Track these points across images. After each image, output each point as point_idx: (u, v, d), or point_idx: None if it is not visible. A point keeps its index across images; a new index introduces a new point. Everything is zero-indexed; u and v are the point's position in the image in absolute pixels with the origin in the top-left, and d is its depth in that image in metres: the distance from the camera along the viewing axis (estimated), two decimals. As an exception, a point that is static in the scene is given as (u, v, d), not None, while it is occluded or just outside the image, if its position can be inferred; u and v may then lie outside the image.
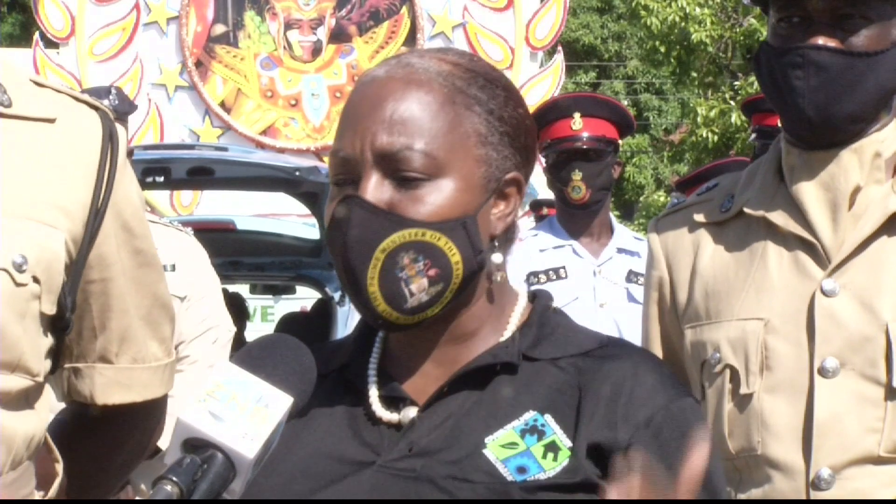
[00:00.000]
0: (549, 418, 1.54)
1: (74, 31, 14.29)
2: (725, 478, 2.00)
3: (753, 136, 5.30)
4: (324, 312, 7.07)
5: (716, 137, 18.14)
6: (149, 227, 1.83)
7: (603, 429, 1.52)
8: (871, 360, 1.97)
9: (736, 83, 18.71)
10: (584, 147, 4.39)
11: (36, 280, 1.64)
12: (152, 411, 1.86)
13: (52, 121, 1.72)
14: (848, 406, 1.96)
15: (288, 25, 14.68)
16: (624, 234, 4.56)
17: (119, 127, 1.79)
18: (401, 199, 1.53)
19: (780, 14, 2.03)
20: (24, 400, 1.66)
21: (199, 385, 1.39)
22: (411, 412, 1.57)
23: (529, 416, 1.54)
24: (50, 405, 1.74)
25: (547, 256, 4.41)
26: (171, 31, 14.55)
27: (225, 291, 5.00)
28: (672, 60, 19.01)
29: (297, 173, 5.61)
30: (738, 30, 18.52)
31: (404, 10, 14.72)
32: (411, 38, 14.63)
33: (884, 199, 2.02)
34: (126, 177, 1.77)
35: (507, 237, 1.61)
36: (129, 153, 3.33)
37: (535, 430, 1.53)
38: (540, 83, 14.41)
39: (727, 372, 2.04)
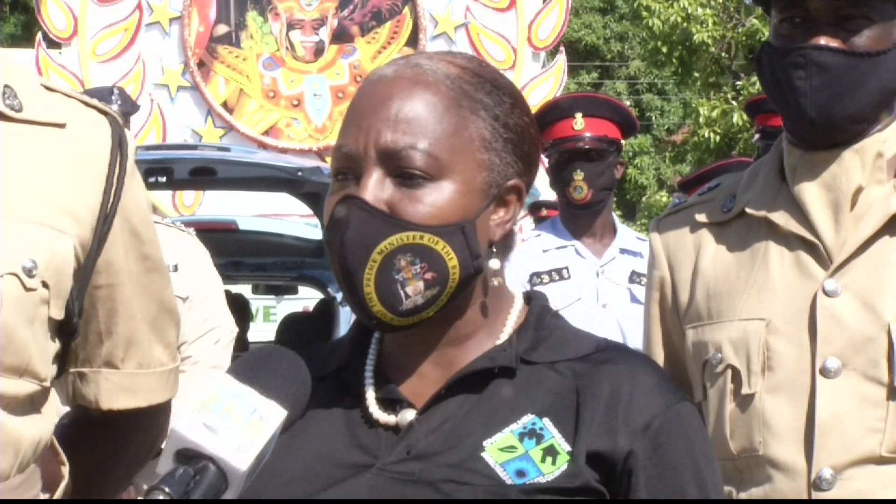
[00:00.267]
0: (547, 422, 1.54)
1: (77, 31, 14.29)
2: (726, 478, 2.00)
3: (757, 136, 5.30)
4: (326, 313, 7.08)
5: (718, 138, 18.14)
6: (156, 232, 1.83)
7: (602, 436, 1.52)
8: (873, 360, 1.97)
9: (738, 83, 18.71)
10: (586, 147, 4.39)
11: (45, 285, 1.64)
12: (157, 416, 1.86)
13: (62, 126, 1.72)
14: (849, 406, 1.96)
15: (290, 26, 14.68)
16: (627, 234, 4.56)
17: (128, 132, 1.79)
18: (401, 198, 1.53)
19: (782, 14, 2.04)
20: (31, 404, 1.66)
21: (196, 391, 1.39)
22: (409, 415, 1.57)
23: (528, 419, 1.54)
24: (56, 408, 1.75)
25: (550, 257, 4.41)
26: (173, 31, 14.55)
27: (228, 293, 5.00)
28: (674, 61, 19.00)
29: (300, 173, 5.61)
30: (740, 30, 18.52)
31: (406, 10, 14.71)
32: (413, 39, 14.62)
33: (885, 200, 2.02)
34: (134, 182, 1.77)
35: (505, 244, 1.61)
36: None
37: (533, 434, 1.53)
38: (542, 83, 14.40)
39: (729, 372, 2.04)
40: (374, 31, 14.75)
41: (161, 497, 1.30)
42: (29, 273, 1.62)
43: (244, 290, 9.49)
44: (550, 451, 1.52)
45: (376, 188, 1.53)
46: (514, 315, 1.63)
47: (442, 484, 1.51)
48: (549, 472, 1.51)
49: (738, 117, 17.49)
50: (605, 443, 1.52)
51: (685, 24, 18.27)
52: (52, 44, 14.36)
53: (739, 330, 2.04)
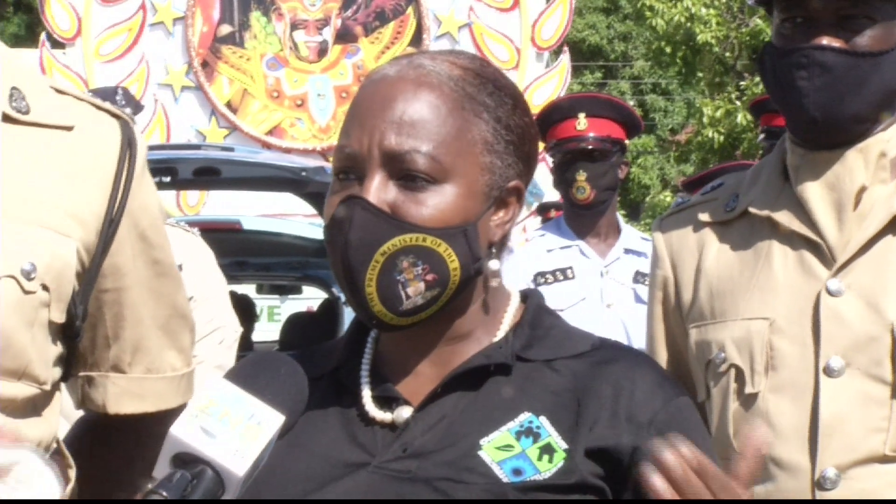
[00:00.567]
0: (544, 420, 1.54)
1: (80, 31, 14.30)
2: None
3: (762, 136, 5.30)
4: (330, 312, 7.08)
5: (722, 138, 18.13)
6: (167, 237, 1.82)
7: (607, 433, 1.53)
8: (877, 359, 1.97)
9: (742, 83, 18.69)
10: (589, 147, 4.39)
11: (45, 288, 1.63)
12: (169, 421, 1.86)
13: (69, 128, 1.72)
14: (853, 406, 1.96)
15: (294, 26, 14.69)
16: (631, 234, 4.56)
17: (140, 136, 1.79)
18: (404, 200, 1.53)
19: (784, 14, 2.04)
20: (32, 407, 1.66)
21: (195, 395, 1.40)
22: (405, 412, 1.58)
23: (524, 417, 1.55)
24: (66, 412, 1.75)
25: (554, 257, 4.41)
26: (177, 31, 14.55)
27: (233, 293, 5.00)
28: (678, 61, 18.99)
29: (304, 173, 5.61)
30: (743, 30, 18.50)
31: (410, 10, 14.71)
32: (417, 39, 14.62)
33: (889, 199, 2.02)
34: (144, 186, 1.77)
35: (504, 244, 1.62)
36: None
37: (530, 432, 1.54)
38: (546, 83, 14.40)
39: (732, 371, 2.04)
40: (377, 31, 14.75)
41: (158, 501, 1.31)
42: (28, 276, 1.61)
43: (248, 289, 9.49)
44: (547, 450, 1.53)
45: (380, 190, 1.53)
46: (511, 313, 1.64)
47: (438, 482, 1.51)
48: (546, 469, 1.51)
49: (741, 117, 17.47)
50: (608, 439, 1.52)
51: (689, 25, 18.25)
52: (56, 44, 14.37)
53: (743, 329, 2.04)
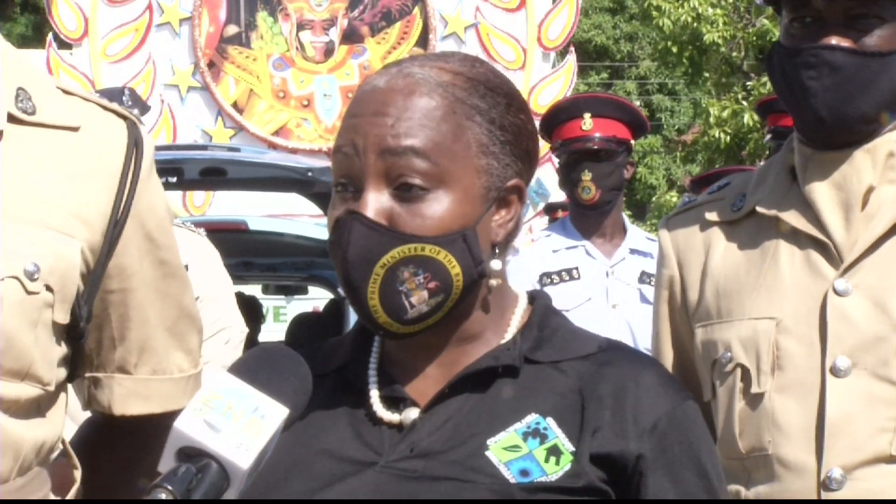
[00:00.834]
0: (551, 422, 1.54)
1: (87, 32, 14.32)
2: (734, 477, 2.00)
3: (769, 136, 5.30)
4: (336, 312, 7.08)
5: (728, 138, 18.10)
6: (175, 238, 1.82)
7: (612, 439, 1.53)
8: (884, 359, 1.96)
9: (748, 83, 18.67)
10: (595, 147, 4.38)
11: (49, 288, 1.63)
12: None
13: (75, 129, 1.71)
14: (860, 406, 1.96)
15: (300, 26, 14.69)
16: (637, 234, 4.56)
17: (147, 137, 1.78)
18: (401, 212, 1.53)
19: (793, 14, 2.03)
20: (35, 408, 1.66)
21: (200, 390, 1.39)
22: (412, 413, 1.58)
23: (531, 419, 1.55)
24: (72, 413, 1.74)
25: (560, 257, 4.41)
26: (183, 31, 14.57)
27: (240, 294, 5.00)
28: (684, 61, 18.97)
29: (310, 174, 5.61)
30: (750, 30, 18.48)
31: (416, 10, 14.72)
32: (423, 39, 14.63)
33: (896, 199, 2.02)
34: (152, 187, 1.76)
35: (508, 243, 1.62)
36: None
37: (537, 434, 1.54)
38: (552, 84, 14.40)
39: (738, 371, 2.04)
40: (384, 31, 14.76)
41: (163, 495, 1.31)
42: (31, 276, 1.61)
43: (254, 290, 9.49)
44: (554, 451, 1.52)
45: (376, 202, 1.53)
46: (518, 315, 1.64)
47: (445, 482, 1.51)
48: (553, 471, 1.51)
49: (748, 117, 17.45)
50: (614, 445, 1.52)
51: (695, 25, 18.23)
52: (63, 44, 14.39)
53: (749, 329, 2.03)
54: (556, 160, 4.58)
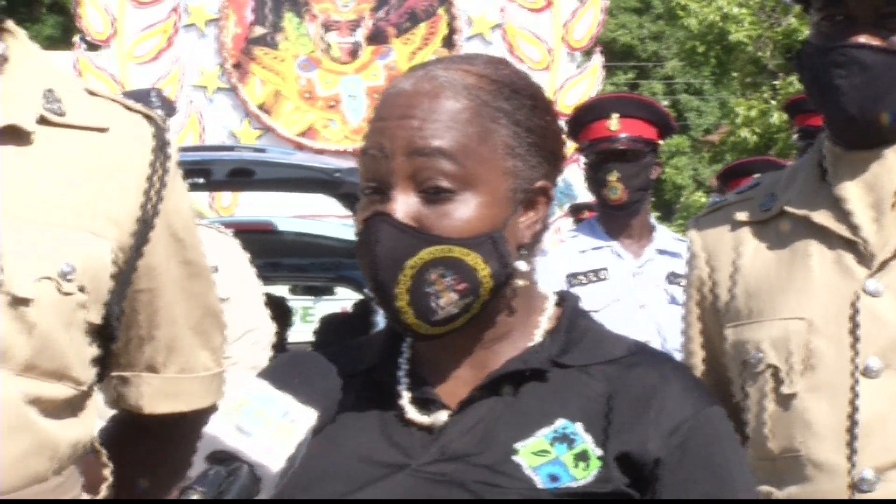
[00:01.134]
0: (579, 427, 1.54)
1: (115, 33, 14.37)
2: (766, 478, 2.00)
3: (796, 136, 5.27)
4: (364, 313, 7.08)
5: (756, 137, 18.06)
6: (199, 237, 1.83)
7: (633, 440, 1.52)
8: (915, 360, 1.95)
9: (776, 83, 18.61)
10: (622, 148, 4.38)
11: (83, 289, 1.64)
12: (201, 420, 1.86)
13: (103, 130, 1.73)
14: (892, 406, 1.95)
15: (326, 27, 14.71)
16: (664, 235, 4.55)
17: (171, 137, 1.80)
18: (429, 214, 1.54)
19: (823, 13, 2.03)
20: (70, 408, 1.67)
21: (234, 391, 1.41)
22: (443, 415, 1.58)
23: (559, 423, 1.55)
24: (99, 411, 1.75)
25: (587, 258, 4.40)
26: (210, 33, 14.60)
27: (269, 296, 5.00)
28: (711, 60, 18.94)
29: (337, 174, 5.62)
30: (777, 29, 18.42)
31: (442, 11, 14.71)
32: (449, 40, 14.63)
33: (927, 199, 2.01)
34: (177, 187, 1.77)
35: (535, 244, 1.62)
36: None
37: (565, 439, 1.54)
38: (578, 84, 14.37)
39: (769, 372, 2.03)
40: (409, 31, 14.76)
41: (195, 496, 1.32)
42: (66, 277, 1.62)
43: (282, 291, 9.51)
44: (582, 457, 1.52)
45: (404, 204, 1.54)
46: (547, 317, 1.64)
47: (475, 486, 1.52)
48: (582, 477, 1.51)
49: (776, 117, 17.40)
50: (634, 446, 1.52)
51: (722, 24, 18.20)
52: (91, 46, 14.45)
53: (780, 329, 2.03)
54: (582, 161, 4.57)
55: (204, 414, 1.84)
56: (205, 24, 14.58)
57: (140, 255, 1.72)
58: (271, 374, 1.43)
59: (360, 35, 14.75)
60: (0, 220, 1.60)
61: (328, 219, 8.35)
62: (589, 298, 4.22)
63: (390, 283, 1.54)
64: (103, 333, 1.71)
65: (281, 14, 14.73)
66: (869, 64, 1.98)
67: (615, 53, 31.93)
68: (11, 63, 1.70)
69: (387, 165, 1.55)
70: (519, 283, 1.60)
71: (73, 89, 1.74)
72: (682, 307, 2.26)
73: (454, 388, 1.59)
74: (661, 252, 4.43)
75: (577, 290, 4.29)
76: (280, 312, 6.95)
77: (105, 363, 1.75)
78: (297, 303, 13.14)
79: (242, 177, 5.74)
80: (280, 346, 6.89)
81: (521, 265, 1.59)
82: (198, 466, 1.36)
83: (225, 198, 13.75)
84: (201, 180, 5.39)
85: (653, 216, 4.65)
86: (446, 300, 1.54)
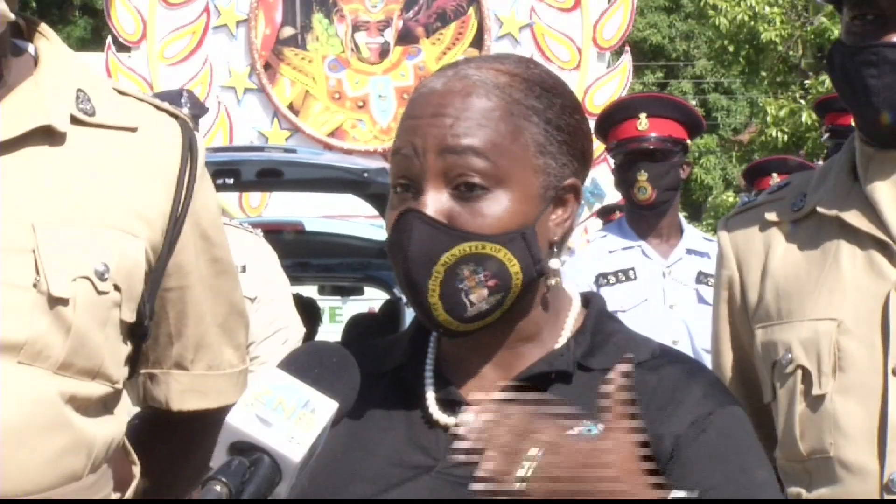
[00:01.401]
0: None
1: (146, 34, 14.44)
2: (796, 479, 1.98)
3: (826, 135, 5.25)
4: (392, 313, 7.10)
5: (786, 137, 17.97)
6: (226, 235, 1.85)
7: (649, 433, 1.51)
8: (947, 361, 1.94)
9: (806, 82, 18.52)
10: (651, 147, 4.37)
11: (117, 288, 1.66)
12: (224, 417, 1.88)
13: (133, 129, 1.74)
14: (923, 408, 1.93)
15: (355, 27, 14.74)
16: (693, 234, 4.53)
17: (198, 136, 1.81)
18: (461, 211, 1.54)
19: (854, 12, 2.01)
20: (104, 406, 1.68)
21: (251, 386, 1.41)
22: (469, 417, 1.57)
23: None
24: (127, 409, 1.77)
25: (616, 258, 4.40)
26: (240, 33, 14.65)
27: (298, 296, 5.02)
28: (741, 60, 18.85)
29: (365, 175, 5.63)
30: (808, 28, 18.33)
31: (471, 11, 14.72)
32: (478, 40, 14.63)
33: (960, 199, 1.99)
34: (205, 185, 1.79)
35: (564, 241, 1.62)
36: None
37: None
38: (607, 84, 14.35)
39: (799, 373, 2.02)
40: (438, 32, 14.77)
41: (218, 487, 1.32)
42: (101, 276, 1.63)
43: (310, 291, 9.53)
44: None
45: (436, 201, 1.55)
46: (573, 318, 1.64)
47: None
48: None
49: (806, 116, 17.31)
50: (653, 445, 1.51)
51: (752, 23, 18.11)
52: (122, 47, 14.52)
53: (810, 330, 2.02)
54: (611, 161, 4.56)
55: (228, 410, 1.85)
56: (235, 24, 14.63)
57: (170, 253, 1.74)
58: (291, 365, 1.44)
59: (390, 35, 14.76)
60: (36, 221, 1.61)
61: (357, 219, 8.37)
62: (618, 298, 4.22)
63: (422, 279, 1.54)
64: (135, 332, 1.72)
65: (310, 15, 14.76)
66: (901, 63, 1.96)
67: (644, 53, 31.86)
68: (43, 64, 1.72)
69: (419, 163, 1.55)
70: (553, 281, 1.60)
71: (103, 89, 1.76)
72: (712, 307, 2.25)
73: (479, 388, 1.60)
74: (690, 252, 4.42)
75: (605, 290, 4.29)
76: (308, 312, 6.97)
77: (135, 361, 1.76)
78: (325, 303, 13.18)
79: (271, 177, 5.76)
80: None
81: (554, 262, 1.60)
82: (218, 457, 1.37)
83: (254, 198, 13.80)
84: (231, 181, 5.41)
85: (681, 216, 4.64)
86: (477, 297, 1.55)
